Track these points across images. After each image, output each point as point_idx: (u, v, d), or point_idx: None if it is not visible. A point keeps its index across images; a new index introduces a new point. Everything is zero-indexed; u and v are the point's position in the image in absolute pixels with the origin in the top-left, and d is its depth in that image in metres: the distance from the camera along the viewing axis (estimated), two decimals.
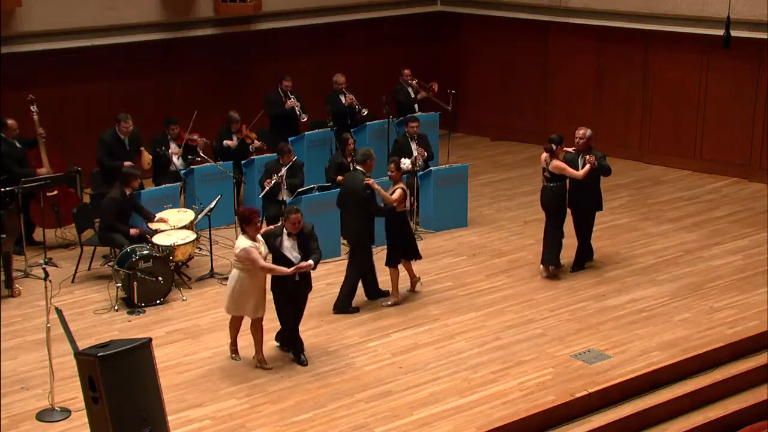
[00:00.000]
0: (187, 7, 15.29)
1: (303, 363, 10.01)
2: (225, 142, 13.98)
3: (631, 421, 9.38)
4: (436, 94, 15.70)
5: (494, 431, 8.89)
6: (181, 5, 15.21)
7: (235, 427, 8.96)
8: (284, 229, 9.76)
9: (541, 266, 12.06)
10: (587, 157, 11.74)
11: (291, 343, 10.16)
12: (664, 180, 15.69)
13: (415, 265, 12.41)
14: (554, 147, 11.74)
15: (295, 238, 9.74)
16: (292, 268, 9.58)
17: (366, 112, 14.97)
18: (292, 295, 9.88)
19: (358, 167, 11.36)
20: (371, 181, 11.13)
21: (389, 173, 11.37)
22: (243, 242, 9.56)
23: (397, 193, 11.15)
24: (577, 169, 11.73)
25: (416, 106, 15.54)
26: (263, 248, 9.71)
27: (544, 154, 11.84)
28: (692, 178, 15.79)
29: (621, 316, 11.05)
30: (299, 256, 9.70)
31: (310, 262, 9.68)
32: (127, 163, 12.72)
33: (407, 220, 11.49)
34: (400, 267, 11.39)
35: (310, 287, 10.09)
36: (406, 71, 15.66)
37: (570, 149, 11.96)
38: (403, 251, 11.37)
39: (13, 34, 13.88)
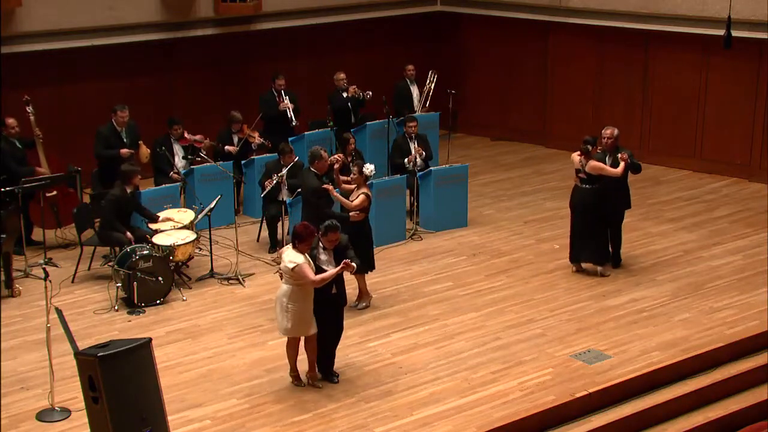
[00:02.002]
0: (187, 7, 15.29)
1: (334, 381, 9.76)
2: (226, 147, 13.93)
3: (631, 421, 9.38)
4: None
5: (494, 431, 8.88)
6: (181, 5, 15.22)
7: (235, 427, 8.96)
8: (320, 243, 9.58)
9: (576, 265, 12.10)
10: (620, 155, 11.67)
11: (325, 363, 9.81)
12: (664, 180, 15.69)
13: (417, 266, 12.45)
14: (590, 148, 11.63)
15: (331, 253, 9.58)
16: (340, 266, 9.30)
17: (370, 94, 14.95)
18: (329, 310, 9.59)
19: (311, 168, 11.21)
20: (330, 187, 10.95)
21: (351, 177, 11.08)
22: (295, 257, 9.21)
23: (360, 199, 10.88)
24: None
25: (416, 101, 15.63)
26: (311, 262, 9.41)
27: (577, 156, 11.71)
28: (692, 178, 15.79)
29: (621, 316, 11.05)
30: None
31: (354, 265, 9.40)
32: (123, 151, 12.74)
33: (365, 229, 11.05)
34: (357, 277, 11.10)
35: (345, 301, 9.94)
36: (410, 67, 15.77)
37: (597, 149, 11.92)
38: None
39: (13, 34, 13.89)
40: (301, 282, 9.22)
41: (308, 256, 9.35)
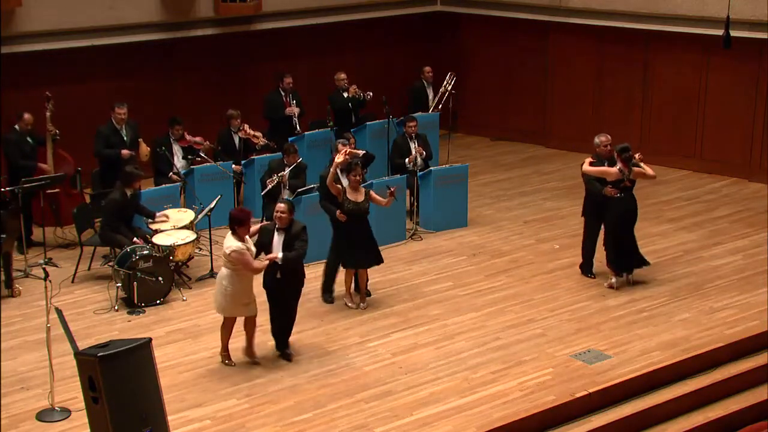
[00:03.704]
0: (187, 7, 15.29)
1: (289, 357, 10.12)
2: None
3: (631, 421, 9.38)
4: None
5: (494, 431, 8.89)
6: (181, 5, 15.21)
7: (235, 427, 8.96)
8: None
9: (629, 275, 11.79)
10: (637, 156, 11.55)
11: (280, 340, 10.22)
12: (664, 180, 15.67)
13: (417, 266, 12.45)
14: (631, 154, 11.42)
15: (283, 235, 9.80)
16: (264, 260, 9.62)
17: (370, 94, 14.97)
18: (273, 295, 9.96)
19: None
20: (390, 192, 11.08)
21: (356, 177, 11.10)
22: (233, 243, 9.55)
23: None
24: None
25: (431, 103, 15.70)
26: (252, 247, 9.78)
27: (613, 169, 11.36)
28: (692, 178, 15.79)
29: (621, 316, 11.05)
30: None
31: (278, 255, 9.65)
32: (124, 152, 12.74)
33: (364, 226, 11.12)
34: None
35: (296, 285, 10.03)
36: (427, 68, 15.86)
37: (589, 158, 11.83)
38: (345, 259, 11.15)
39: (13, 34, 13.89)
40: (237, 267, 9.53)
41: (249, 242, 9.67)
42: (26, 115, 12.59)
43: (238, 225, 9.60)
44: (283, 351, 10.15)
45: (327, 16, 16.71)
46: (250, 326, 10.00)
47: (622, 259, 11.71)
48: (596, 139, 11.86)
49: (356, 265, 11.16)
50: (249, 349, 10.09)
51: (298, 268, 9.98)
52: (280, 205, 9.84)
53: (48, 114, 12.79)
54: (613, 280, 11.75)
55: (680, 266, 12.37)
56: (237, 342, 10.49)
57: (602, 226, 11.84)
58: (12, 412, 9.13)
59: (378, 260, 11.23)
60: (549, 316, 11.07)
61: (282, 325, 10.12)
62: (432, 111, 15.81)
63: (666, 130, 16.26)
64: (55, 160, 12.86)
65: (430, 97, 16.02)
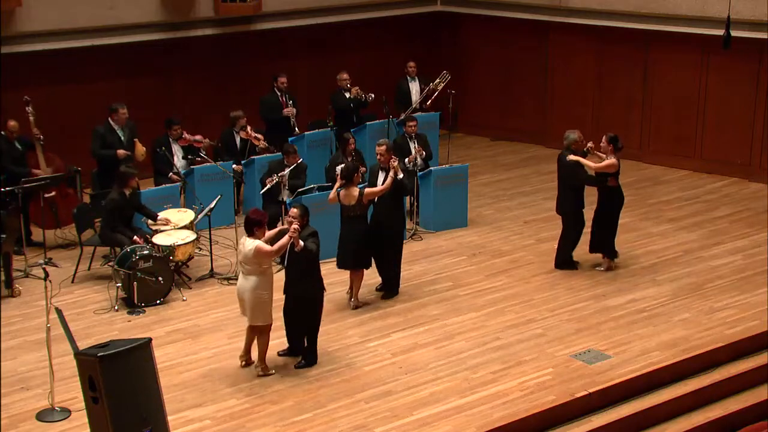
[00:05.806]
0: (187, 7, 15.29)
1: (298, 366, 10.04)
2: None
3: (631, 421, 9.39)
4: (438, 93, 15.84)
5: (494, 431, 8.89)
6: (181, 5, 15.22)
7: (235, 427, 8.96)
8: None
9: (613, 261, 12.23)
10: (590, 144, 11.99)
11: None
12: (664, 180, 15.70)
13: (417, 266, 12.45)
14: None
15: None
16: (292, 228, 9.47)
17: (372, 96, 14.95)
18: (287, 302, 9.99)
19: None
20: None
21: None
22: (251, 242, 9.47)
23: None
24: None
25: (414, 96, 15.65)
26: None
27: (614, 161, 11.70)
28: (692, 178, 15.79)
29: (621, 316, 11.05)
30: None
31: (301, 243, 9.57)
32: (120, 152, 12.73)
33: (360, 227, 11.22)
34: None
35: (307, 298, 9.96)
36: (411, 63, 15.79)
37: (572, 156, 11.95)
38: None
39: (13, 34, 13.89)
40: (265, 266, 9.47)
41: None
42: (10, 123, 12.57)
43: (257, 227, 9.51)
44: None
45: (327, 16, 16.72)
46: (265, 337, 9.90)
47: (613, 245, 12.20)
48: (573, 135, 12.06)
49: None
50: (263, 363, 9.95)
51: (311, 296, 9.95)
52: (293, 210, 9.72)
53: (31, 118, 12.75)
54: (611, 263, 12.16)
55: (680, 266, 12.38)
56: (241, 340, 10.51)
57: (577, 220, 12.17)
58: (12, 412, 9.14)
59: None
60: (549, 316, 11.07)
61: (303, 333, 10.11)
62: (419, 106, 15.69)
63: (666, 130, 16.27)
64: (47, 162, 12.86)
65: (414, 91, 15.90)
